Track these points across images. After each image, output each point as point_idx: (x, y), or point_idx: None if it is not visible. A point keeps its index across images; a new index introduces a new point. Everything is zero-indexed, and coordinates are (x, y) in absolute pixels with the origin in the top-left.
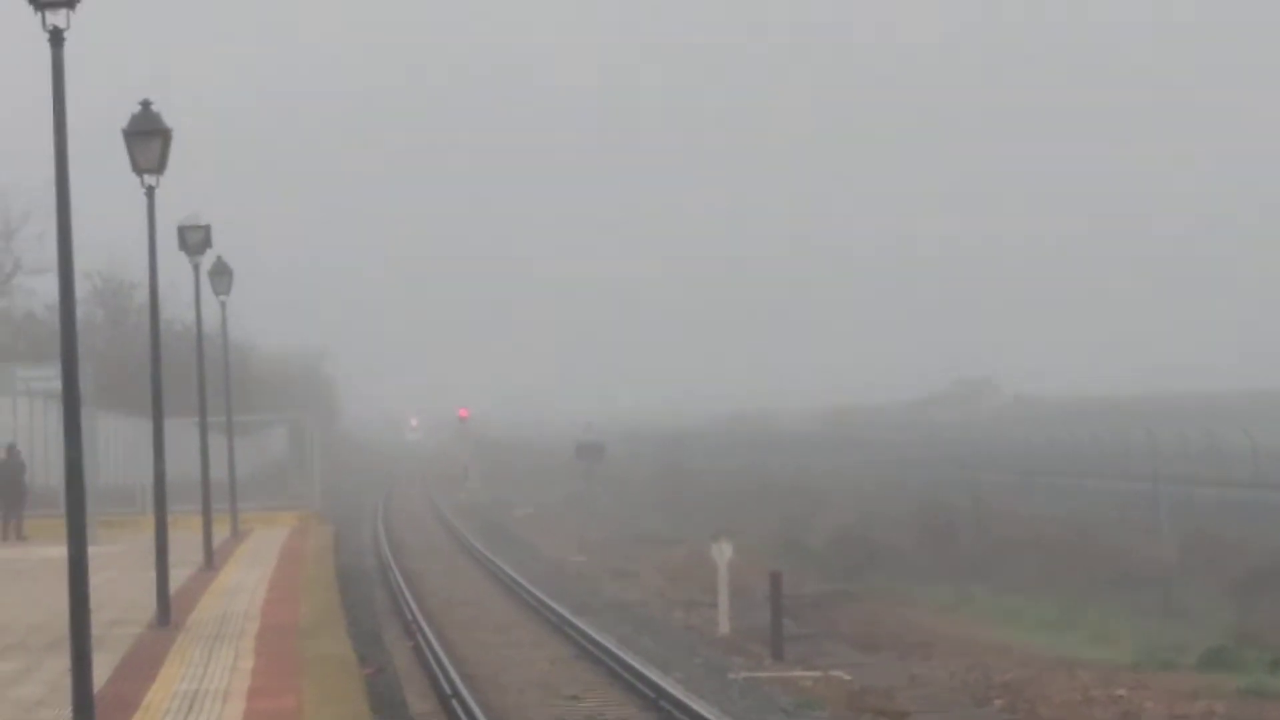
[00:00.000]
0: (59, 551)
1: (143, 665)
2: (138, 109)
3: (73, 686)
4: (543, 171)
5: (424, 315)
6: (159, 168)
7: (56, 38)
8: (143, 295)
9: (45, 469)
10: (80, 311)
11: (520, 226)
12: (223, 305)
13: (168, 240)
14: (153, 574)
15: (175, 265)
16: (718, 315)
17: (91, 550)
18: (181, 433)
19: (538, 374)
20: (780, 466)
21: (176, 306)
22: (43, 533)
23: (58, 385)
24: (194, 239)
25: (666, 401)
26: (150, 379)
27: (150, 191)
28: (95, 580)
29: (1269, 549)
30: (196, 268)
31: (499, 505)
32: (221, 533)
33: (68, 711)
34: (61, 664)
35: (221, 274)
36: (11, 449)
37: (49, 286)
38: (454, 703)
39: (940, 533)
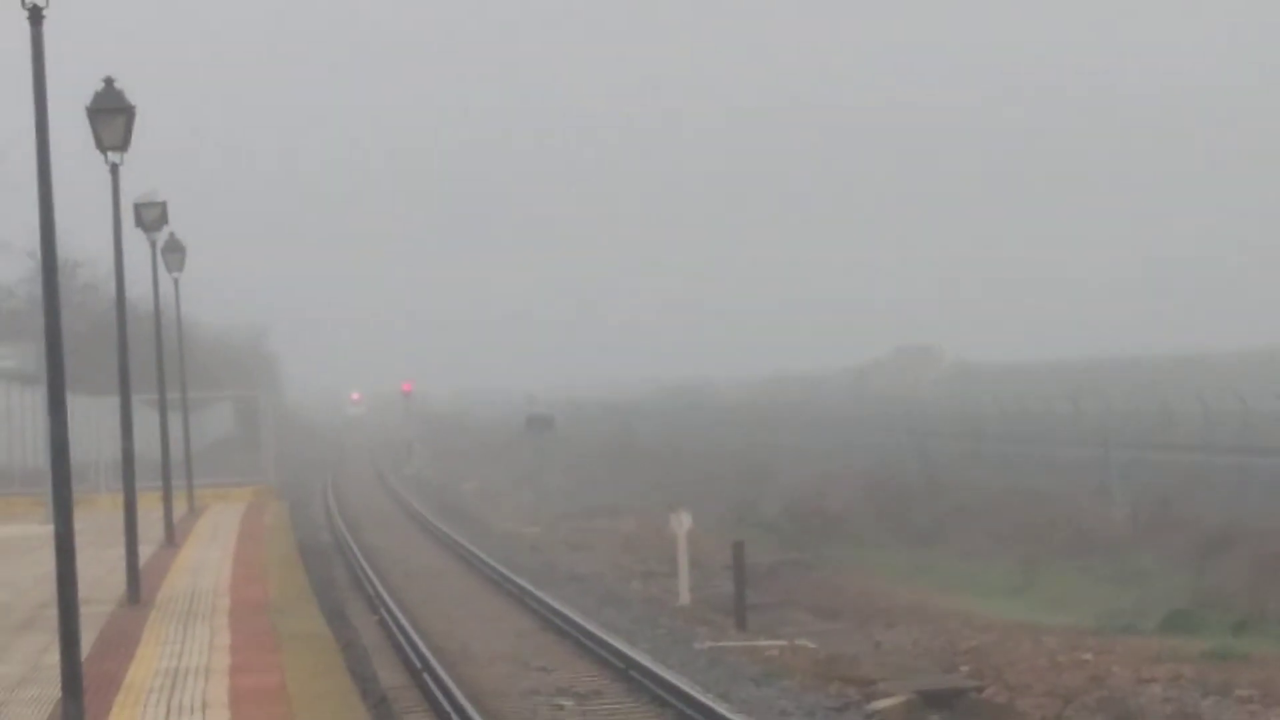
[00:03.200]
0: (16, 530)
1: (120, 643)
2: (101, 86)
3: (62, 665)
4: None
5: (364, 289)
6: (123, 145)
7: (36, 16)
8: (85, 274)
9: None
10: (24, 290)
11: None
12: (175, 282)
13: (108, 213)
14: (113, 551)
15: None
16: (645, 287)
17: (48, 529)
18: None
19: (478, 348)
20: (726, 437)
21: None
22: None
23: (9, 365)
24: (150, 216)
25: (602, 375)
26: (118, 358)
27: (115, 169)
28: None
29: (1221, 513)
30: (154, 245)
31: (447, 479)
32: (178, 510)
33: (53, 691)
34: (36, 642)
35: (174, 251)
36: None
37: None
38: (425, 676)
39: (892, 501)
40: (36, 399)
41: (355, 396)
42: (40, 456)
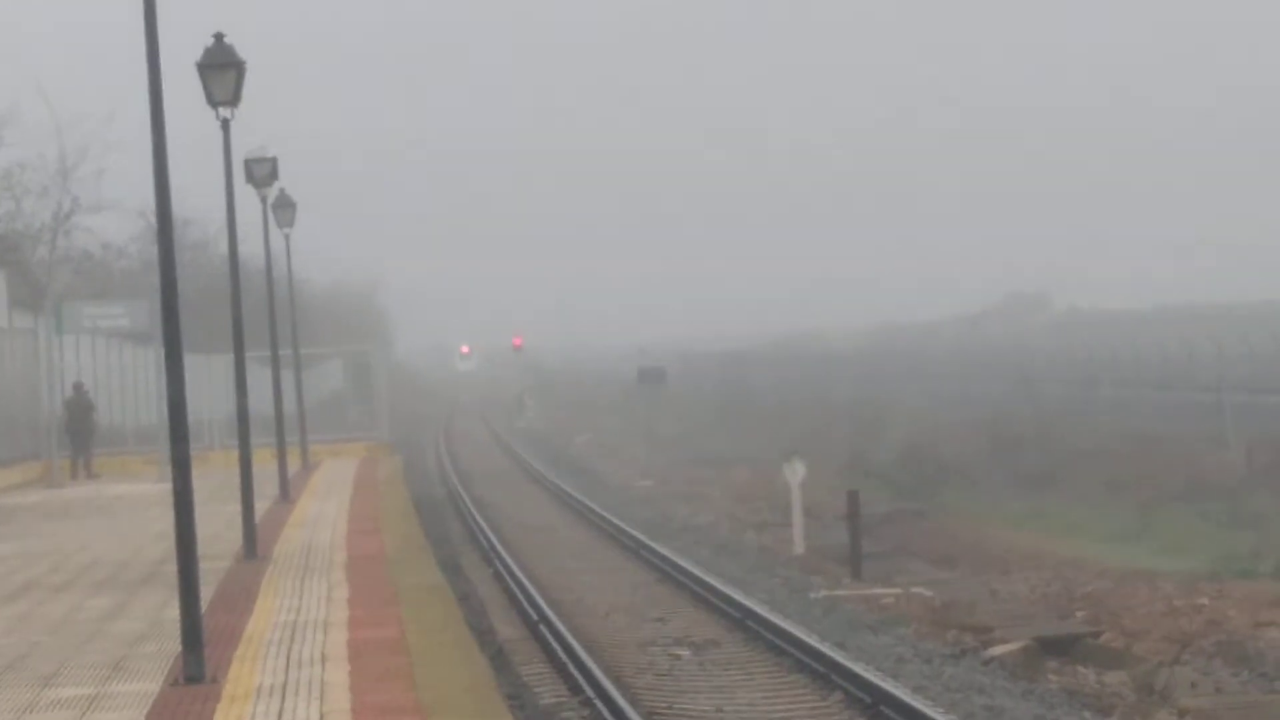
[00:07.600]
0: (129, 488)
1: (238, 598)
2: (211, 42)
3: (181, 620)
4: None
5: (474, 242)
6: (234, 100)
7: None
8: (195, 233)
9: (109, 406)
10: (135, 249)
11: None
12: (286, 238)
13: (217, 170)
14: (228, 508)
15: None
16: (758, 235)
17: (161, 488)
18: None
19: (586, 301)
20: (838, 386)
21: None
22: (110, 469)
23: (123, 323)
24: (261, 172)
25: (713, 323)
26: (232, 315)
27: (225, 124)
28: (174, 515)
29: None
30: (265, 200)
31: (558, 433)
32: (292, 466)
33: (173, 645)
34: (154, 598)
35: (285, 207)
36: (79, 387)
37: (105, 225)
38: (542, 628)
39: (1005, 448)
40: (148, 358)
41: (464, 349)
42: (152, 415)
